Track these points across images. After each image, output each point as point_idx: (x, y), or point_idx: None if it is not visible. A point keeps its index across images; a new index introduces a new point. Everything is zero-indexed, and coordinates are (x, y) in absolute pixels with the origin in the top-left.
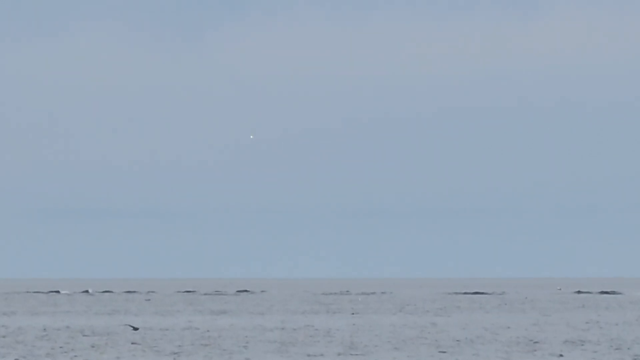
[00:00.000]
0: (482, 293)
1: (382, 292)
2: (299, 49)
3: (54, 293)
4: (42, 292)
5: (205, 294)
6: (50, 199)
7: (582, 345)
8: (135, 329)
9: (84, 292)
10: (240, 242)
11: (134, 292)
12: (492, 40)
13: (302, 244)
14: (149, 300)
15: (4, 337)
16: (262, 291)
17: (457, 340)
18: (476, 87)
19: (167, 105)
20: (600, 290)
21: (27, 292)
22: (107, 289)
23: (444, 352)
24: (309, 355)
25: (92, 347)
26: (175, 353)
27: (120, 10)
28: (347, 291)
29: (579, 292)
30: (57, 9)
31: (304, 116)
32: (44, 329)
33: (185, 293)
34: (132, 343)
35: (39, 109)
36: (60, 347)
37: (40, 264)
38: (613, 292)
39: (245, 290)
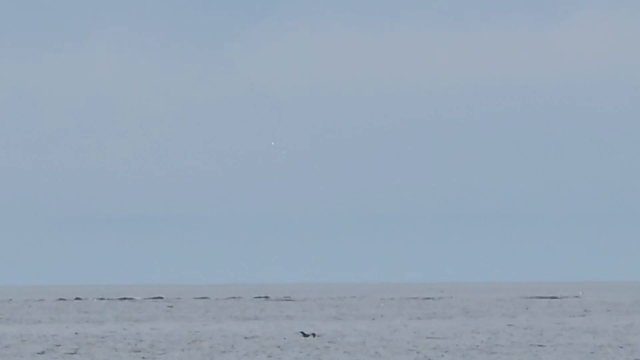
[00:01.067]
0: (556, 297)
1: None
2: (317, 56)
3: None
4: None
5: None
6: (71, 206)
7: None
8: (306, 335)
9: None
10: (257, 247)
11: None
12: (510, 45)
13: (318, 249)
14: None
15: (220, 344)
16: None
17: None
18: (492, 91)
19: (186, 113)
20: None
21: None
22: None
23: None
24: None
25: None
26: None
27: (138, 18)
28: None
29: None
30: (76, 16)
31: (323, 123)
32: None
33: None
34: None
35: (62, 117)
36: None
37: (57, 271)
38: None
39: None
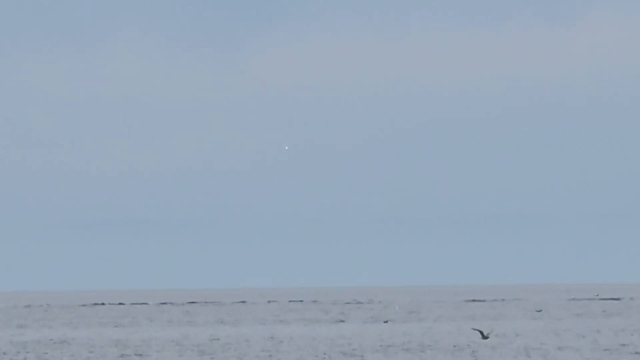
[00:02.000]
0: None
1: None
2: (331, 59)
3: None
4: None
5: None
6: (84, 210)
7: None
8: (485, 337)
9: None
10: (270, 251)
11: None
12: (522, 46)
13: (331, 252)
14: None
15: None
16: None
17: None
18: (504, 92)
19: (201, 116)
20: None
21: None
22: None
23: None
24: None
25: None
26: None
27: (155, 22)
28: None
29: None
30: (92, 20)
31: (335, 126)
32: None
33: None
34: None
35: (78, 121)
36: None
37: (67, 276)
38: None
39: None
